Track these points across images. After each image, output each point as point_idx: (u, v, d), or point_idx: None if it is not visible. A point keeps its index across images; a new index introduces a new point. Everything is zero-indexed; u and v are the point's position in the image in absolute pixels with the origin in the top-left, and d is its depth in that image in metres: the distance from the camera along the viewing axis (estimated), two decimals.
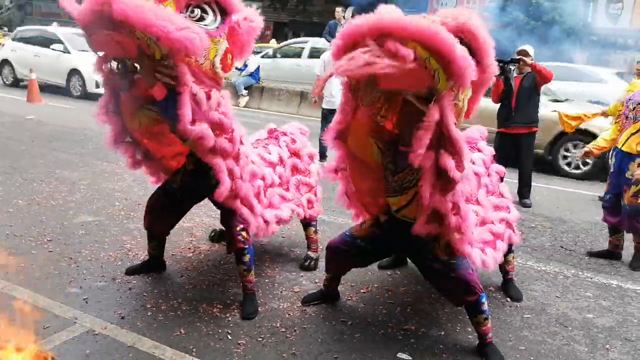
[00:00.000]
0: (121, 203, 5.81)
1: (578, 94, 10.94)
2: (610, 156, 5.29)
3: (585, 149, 5.55)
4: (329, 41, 13.37)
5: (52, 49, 14.59)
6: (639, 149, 4.94)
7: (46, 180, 6.45)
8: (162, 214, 4.02)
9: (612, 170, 5.22)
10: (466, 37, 2.86)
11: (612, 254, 5.31)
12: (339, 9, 13.46)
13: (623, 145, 5.05)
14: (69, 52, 14.44)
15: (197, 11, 3.26)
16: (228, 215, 3.68)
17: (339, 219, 5.70)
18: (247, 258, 3.72)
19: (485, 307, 3.39)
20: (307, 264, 4.54)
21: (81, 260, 4.37)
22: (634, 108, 5.02)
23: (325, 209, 5.97)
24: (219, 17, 3.35)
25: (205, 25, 3.26)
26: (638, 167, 4.91)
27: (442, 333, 3.69)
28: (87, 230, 5.01)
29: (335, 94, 8.09)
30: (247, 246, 3.68)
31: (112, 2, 2.83)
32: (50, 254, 4.45)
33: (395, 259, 4.65)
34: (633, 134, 4.98)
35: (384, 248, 3.77)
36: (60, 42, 14.65)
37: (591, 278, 4.81)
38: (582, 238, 5.86)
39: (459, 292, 3.33)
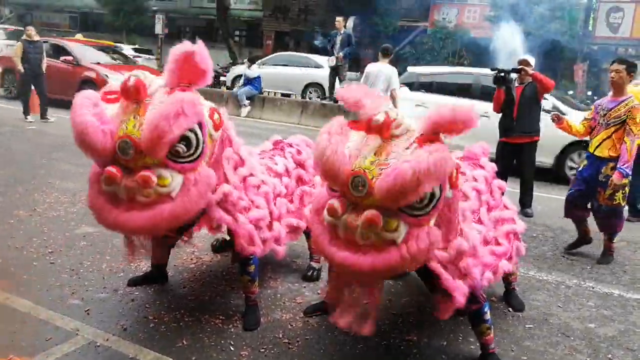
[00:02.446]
0: None
1: (299, 76, 13.75)
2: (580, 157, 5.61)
3: (560, 116, 5.70)
4: (331, 50, 13.52)
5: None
6: (611, 154, 5.21)
7: (47, 191, 6.45)
8: None
9: (580, 169, 5.54)
10: None
11: (584, 240, 5.69)
12: (339, 19, 13.58)
13: (595, 150, 5.30)
14: None
15: (181, 147, 2.96)
16: None
17: None
18: (252, 268, 3.72)
19: (488, 316, 3.38)
20: (309, 274, 4.54)
21: (83, 272, 4.37)
22: (604, 114, 5.26)
23: None
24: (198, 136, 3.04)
25: (195, 153, 3.04)
26: (611, 170, 5.16)
27: (444, 343, 3.69)
28: (89, 241, 5.01)
29: None
30: (252, 256, 3.68)
31: None
32: (52, 265, 4.45)
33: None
34: (604, 139, 5.24)
35: None
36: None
37: (593, 288, 4.81)
38: (584, 247, 5.85)
39: None
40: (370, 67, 9.21)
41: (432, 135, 2.68)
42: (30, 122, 11.26)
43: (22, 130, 10.32)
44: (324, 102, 14.78)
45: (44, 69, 11.70)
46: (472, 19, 23.23)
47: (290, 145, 4.47)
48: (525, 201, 7.01)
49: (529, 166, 7.03)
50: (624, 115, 5.13)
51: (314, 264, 4.59)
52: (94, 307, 3.84)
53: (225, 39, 26.71)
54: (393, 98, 8.93)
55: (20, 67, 11.34)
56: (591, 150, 5.35)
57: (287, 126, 13.23)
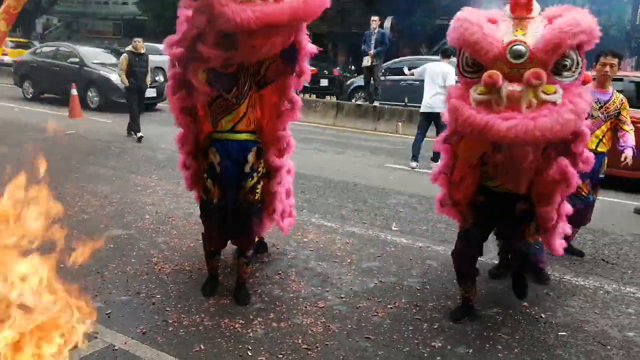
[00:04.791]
0: (151, 216, 5.82)
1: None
2: None
3: None
4: (365, 50, 13.39)
5: None
6: (607, 147, 5.12)
7: (79, 194, 6.50)
8: (220, 232, 4.02)
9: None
10: None
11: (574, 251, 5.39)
12: (375, 18, 13.44)
13: (598, 145, 4.99)
14: None
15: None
16: (247, 217, 3.89)
17: (369, 231, 5.59)
18: (250, 252, 4.11)
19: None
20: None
21: (107, 274, 4.37)
22: (600, 107, 4.98)
23: (356, 221, 5.88)
24: None
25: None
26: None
27: (470, 351, 3.54)
28: (116, 243, 5.02)
29: (430, 100, 9.06)
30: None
31: None
32: (78, 268, 4.44)
33: (504, 267, 4.55)
34: (606, 132, 5.06)
35: (489, 225, 3.97)
36: None
37: (634, 293, 4.57)
38: (626, 251, 5.60)
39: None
40: (430, 65, 9.61)
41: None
42: (141, 137, 10.43)
43: (61, 135, 10.51)
44: (359, 102, 14.65)
45: (148, 84, 11.03)
46: None
47: None
48: None
49: None
50: (620, 106, 5.05)
51: None
52: (115, 309, 3.83)
53: None
54: None
55: (125, 81, 10.52)
56: (592, 146, 4.82)
57: (323, 127, 13.14)
